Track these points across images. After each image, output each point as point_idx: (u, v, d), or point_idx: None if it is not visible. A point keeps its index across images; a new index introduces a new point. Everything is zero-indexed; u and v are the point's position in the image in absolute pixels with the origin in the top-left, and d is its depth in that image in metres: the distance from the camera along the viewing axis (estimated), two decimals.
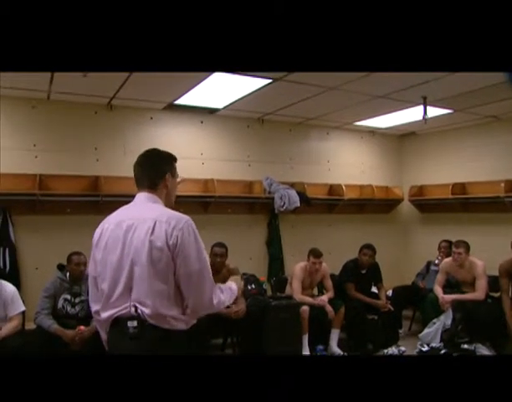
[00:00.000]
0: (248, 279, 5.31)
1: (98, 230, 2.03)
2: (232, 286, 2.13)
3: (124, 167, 5.20)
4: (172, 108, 5.42)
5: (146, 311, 1.84)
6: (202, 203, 5.62)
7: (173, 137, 5.51)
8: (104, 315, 1.95)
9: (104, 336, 2.06)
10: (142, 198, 2.03)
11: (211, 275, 1.93)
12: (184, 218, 1.91)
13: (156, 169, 2.06)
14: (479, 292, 4.97)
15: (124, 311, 1.88)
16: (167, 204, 2.06)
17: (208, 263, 1.94)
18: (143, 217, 1.91)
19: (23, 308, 3.97)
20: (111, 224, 1.98)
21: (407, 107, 5.44)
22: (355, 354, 4.89)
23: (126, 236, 1.90)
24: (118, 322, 1.90)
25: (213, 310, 1.96)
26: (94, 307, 2.05)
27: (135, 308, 1.85)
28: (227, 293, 2.04)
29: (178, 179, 2.17)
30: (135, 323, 1.84)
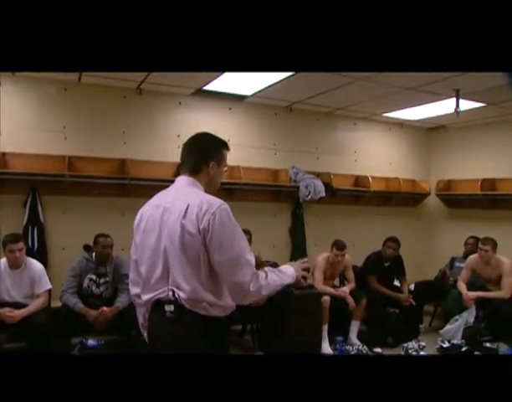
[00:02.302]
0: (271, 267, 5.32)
1: (138, 213, 2.02)
2: (287, 269, 2.01)
3: (151, 151, 5.25)
4: (201, 94, 5.43)
5: (182, 295, 1.81)
6: (227, 190, 5.63)
7: (201, 123, 5.51)
8: (145, 297, 1.94)
9: (140, 319, 2.05)
10: (182, 181, 1.99)
11: (250, 261, 1.81)
12: (218, 202, 1.82)
13: (201, 154, 2.00)
14: (505, 291, 4.88)
15: (162, 295, 1.86)
16: (208, 191, 1.98)
17: (245, 249, 1.82)
18: (178, 199, 1.87)
19: (49, 286, 4.08)
20: (150, 207, 1.97)
21: (438, 100, 5.34)
22: (373, 348, 4.89)
23: (162, 219, 1.87)
24: (157, 305, 1.88)
25: (253, 297, 1.83)
26: (134, 290, 2.04)
27: (173, 292, 1.83)
28: (275, 275, 1.91)
29: (225, 168, 2.09)
30: (171, 307, 1.82)
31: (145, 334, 2.07)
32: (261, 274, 1.85)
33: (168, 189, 2.02)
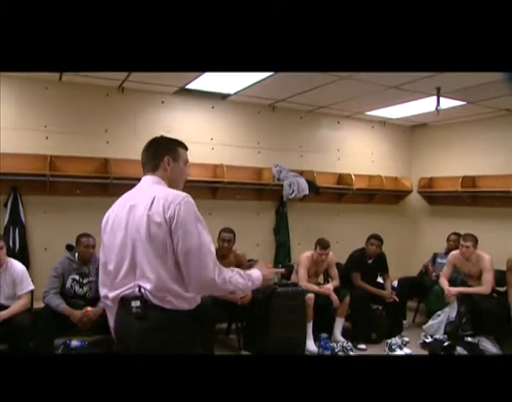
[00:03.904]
0: (255, 266, 5.33)
1: (105, 216, 2.09)
2: (254, 273, 2.05)
3: (134, 149, 5.14)
4: (184, 92, 5.41)
5: (148, 287, 1.84)
6: (210, 189, 5.63)
7: (184, 122, 5.51)
8: (112, 295, 1.97)
9: (111, 322, 2.06)
10: (146, 180, 2.07)
11: (212, 252, 1.89)
12: (182, 194, 1.91)
13: (155, 152, 2.10)
14: (485, 286, 4.96)
15: (128, 291, 1.90)
16: (173, 188, 2.05)
17: (208, 241, 1.88)
18: (144, 196, 1.94)
19: (31, 287, 4.03)
20: (117, 206, 2.04)
21: (419, 98, 5.39)
22: (357, 344, 4.93)
23: (129, 216, 1.94)
24: (124, 303, 1.92)
25: (218, 288, 1.88)
26: (103, 292, 2.07)
27: (139, 288, 1.87)
28: (240, 276, 1.95)
29: (187, 165, 2.17)
30: (138, 303, 1.86)
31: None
32: (226, 270, 1.92)
33: (134, 189, 2.09)
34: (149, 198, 1.90)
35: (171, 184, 2.08)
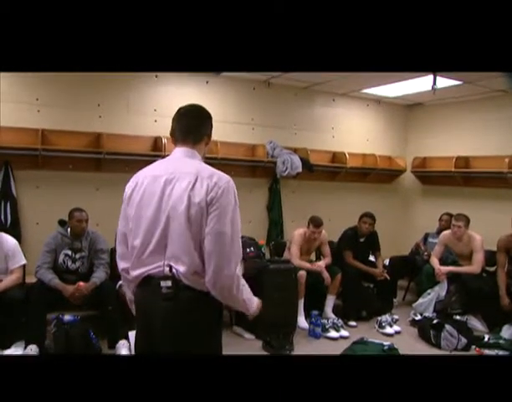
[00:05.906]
0: (247, 242, 5.35)
1: (131, 184, 1.95)
2: (255, 298, 2.05)
3: (127, 124, 5.17)
4: None
5: (182, 269, 1.76)
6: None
7: (177, 97, 5.44)
8: (135, 273, 1.89)
9: (129, 294, 2.02)
10: (181, 152, 1.94)
11: (240, 247, 1.83)
12: (227, 178, 1.83)
13: (202, 123, 2.03)
14: (475, 266, 5.01)
15: (156, 270, 1.81)
16: None
17: (239, 231, 1.83)
18: (184, 171, 1.83)
19: (23, 261, 4.03)
20: (147, 178, 1.90)
21: (416, 77, 5.35)
22: (348, 322, 4.98)
23: (164, 190, 1.82)
24: (149, 281, 1.84)
25: (233, 286, 1.81)
26: (122, 265, 1.99)
27: (170, 268, 1.78)
28: (249, 292, 1.96)
29: None
30: (168, 283, 1.77)
31: (133, 308, 2.04)
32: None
33: (166, 160, 1.99)
34: (190, 175, 1.80)
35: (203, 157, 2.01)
